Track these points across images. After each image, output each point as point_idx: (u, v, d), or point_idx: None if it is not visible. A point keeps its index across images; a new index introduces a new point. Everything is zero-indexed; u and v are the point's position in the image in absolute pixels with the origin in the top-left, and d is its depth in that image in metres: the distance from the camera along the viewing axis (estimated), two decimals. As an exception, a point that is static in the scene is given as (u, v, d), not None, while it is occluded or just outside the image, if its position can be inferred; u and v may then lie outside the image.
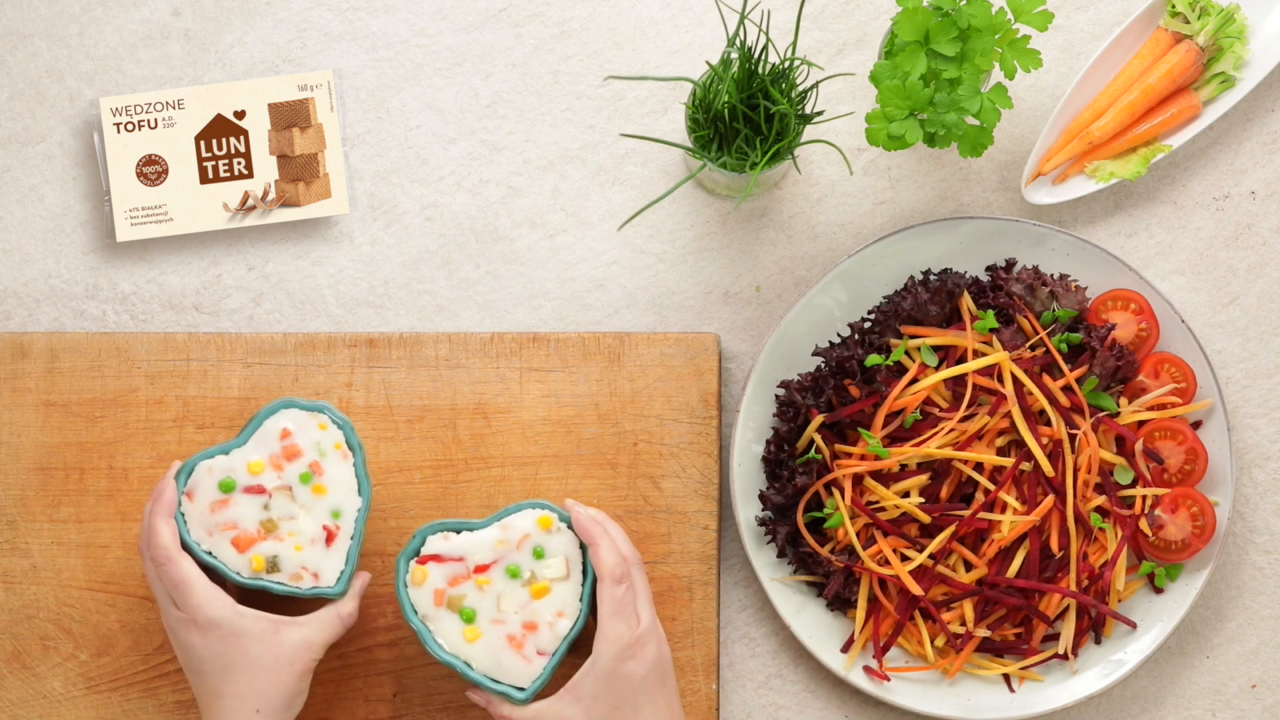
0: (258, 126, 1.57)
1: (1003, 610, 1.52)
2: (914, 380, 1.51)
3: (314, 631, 1.43)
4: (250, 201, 1.57)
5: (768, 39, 1.44)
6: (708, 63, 1.48)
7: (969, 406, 1.51)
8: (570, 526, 1.44)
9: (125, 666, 1.53)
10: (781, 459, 1.52)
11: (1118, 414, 1.52)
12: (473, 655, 1.43)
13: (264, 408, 1.46)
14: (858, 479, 1.52)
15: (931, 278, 1.52)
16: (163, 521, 1.42)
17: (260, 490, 1.44)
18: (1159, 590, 1.53)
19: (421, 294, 1.58)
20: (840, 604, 1.53)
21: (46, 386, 1.54)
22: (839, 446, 1.52)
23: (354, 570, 1.46)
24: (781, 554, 1.52)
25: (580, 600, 1.43)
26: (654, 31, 1.58)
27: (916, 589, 1.50)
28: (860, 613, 1.52)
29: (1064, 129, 1.55)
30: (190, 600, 1.41)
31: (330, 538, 1.45)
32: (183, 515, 1.44)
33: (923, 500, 1.51)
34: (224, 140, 1.56)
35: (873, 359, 1.51)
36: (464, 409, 1.54)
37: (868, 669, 1.52)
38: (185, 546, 1.43)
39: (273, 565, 1.44)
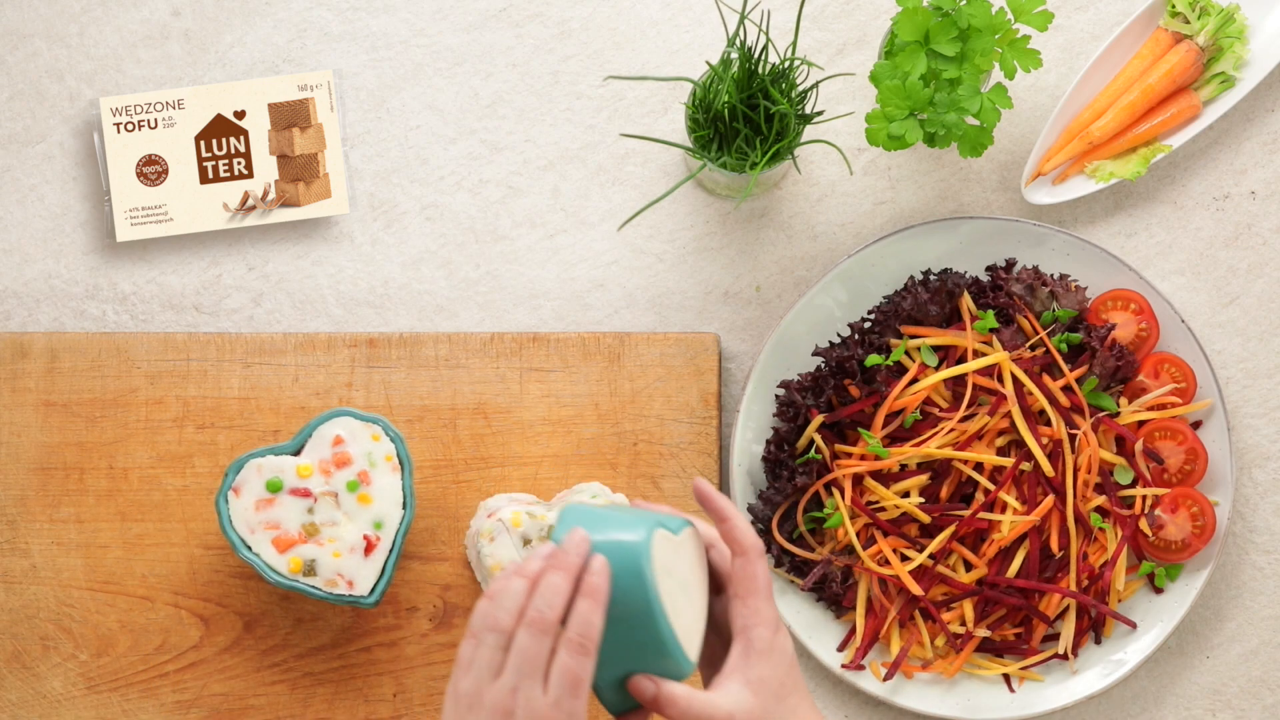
0: (258, 126, 1.57)
1: (1003, 610, 1.52)
2: (914, 380, 1.51)
3: None
4: (250, 201, 1.57)
5: (768, 39, 1.44)
6: (708, 63, 1.48)
7: (969, 406, 1.51)
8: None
9: (125, 666, 1.53)
10: (781, 459, 1.52)
11: (1118, 414, 1.52)
12: None
13: (320, 414, 1.47)
14: (858, 479, 1.52)
15: (931, 278, 1.52)
16: (600, 611, 1.21)
17: (306, 494, 1.46)
18: (1159, 590, 1.53)
19: (421, 294, 1.58)
20: (834, 602, 1.53)
21: (46, 386, 1.54)
22: (839, 446, 1.52)
23: (389, 582, 1.47)
24: (779, 564, 1.52)
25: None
26: (654, 31, 1.58)
27: (916, 589, 1.50)
28: (860, 613, 1.52)
29: (1064, 129, 1.55)
30: (574, 704, 1.20)
31: (369, 548, 1.46)
32: (228, 508, 1.46)
33: (923, 500, 1.51)
34: (224, 140, 1.56)
35: (873, 359, 1.51)
36: (464, 409, 1.54)
37: (859, 666, 1.52)
38: (229, 539, 1.45)
39: (310, 569, 1.45)
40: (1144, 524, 1.52)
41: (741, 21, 1.42)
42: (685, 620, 1.26)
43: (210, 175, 1.57)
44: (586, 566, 1.22)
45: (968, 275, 1.53)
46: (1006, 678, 1.53)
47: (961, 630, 1.52)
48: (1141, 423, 1.53)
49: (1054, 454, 1.51)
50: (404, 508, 1.46)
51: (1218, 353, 1.57)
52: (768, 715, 1.25)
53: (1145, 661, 1.55)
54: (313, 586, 1.45)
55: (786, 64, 1.44)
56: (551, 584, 1.21)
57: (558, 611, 1.21)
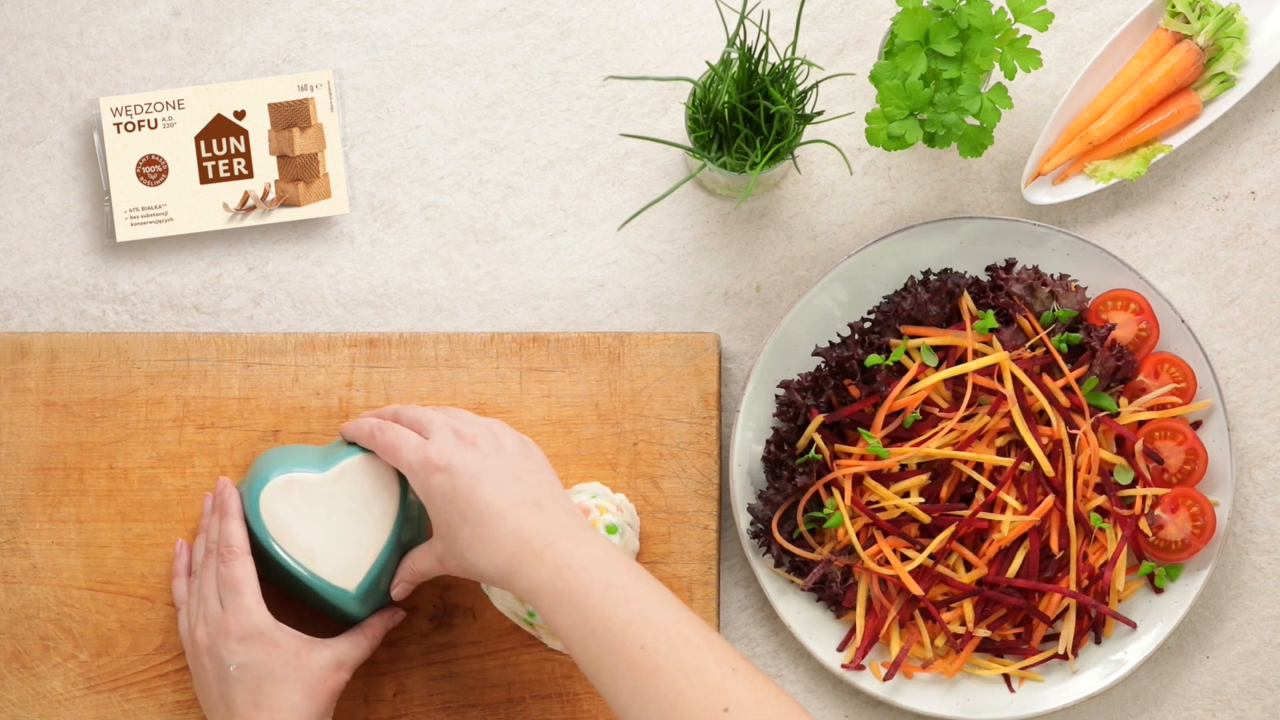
0: (258, 126, 1.57)
1: (1003, 610, 1.52)
2: (914, 380, 1.51)
3: (344, 651, 1.43)
4: (250, 201, 1.57)
5: (768, 39, 1.44)
6: (708, 63, 1.48)
7: (969, 406, 1.51)
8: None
9: (125, 666, 1.53)
10: (781, 459, 1.52)
11: (1118, 414, 1.52)
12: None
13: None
14: (858, 479, 1.52)
15: (931, 278, 1.52)
16: (236, 522, 1.44)
17: None
18: (1159, 590, 1.53)
19: (421, 294, 1.58)
20: (834, 602, 1.53)
21: (46, 386, 1.54)
22: (839, 446, 1.52)
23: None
24: (779, 563, 1.52)
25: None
26: (654, 31, 1.58)
27: (916, 589, 1.50)
28: (860, 613, 1.52)
29: (1064, 129, 1.55)
30: (241, 600, 1.41)
31: None
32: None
33: (923, 500, 1.51)
34: (224, 140, 1.56)
35: (873, 359, 1.51)
36: (464, 409, 1.54)
37: (859, 666, 1.52)
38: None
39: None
40: (1144, 524, 1.52)
41: (741, 21, 1.42)
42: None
43: (210, 175, 1.57)
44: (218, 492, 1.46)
45: (968, 275, 1.53)
46: (1006, 678, 1.53)
47: (961, 630, 1.52)
48: (1141, 423, 1.52)
49: (1054, 454, 1.51)
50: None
51: (1218, 353, 1.57)
52: (453, 558, 1.38)
53: (1145, 661, 1.55)
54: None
55: (786, 64, 1.44)
56: (209, 524, 1.47)
57: (213, 541, 1.45)
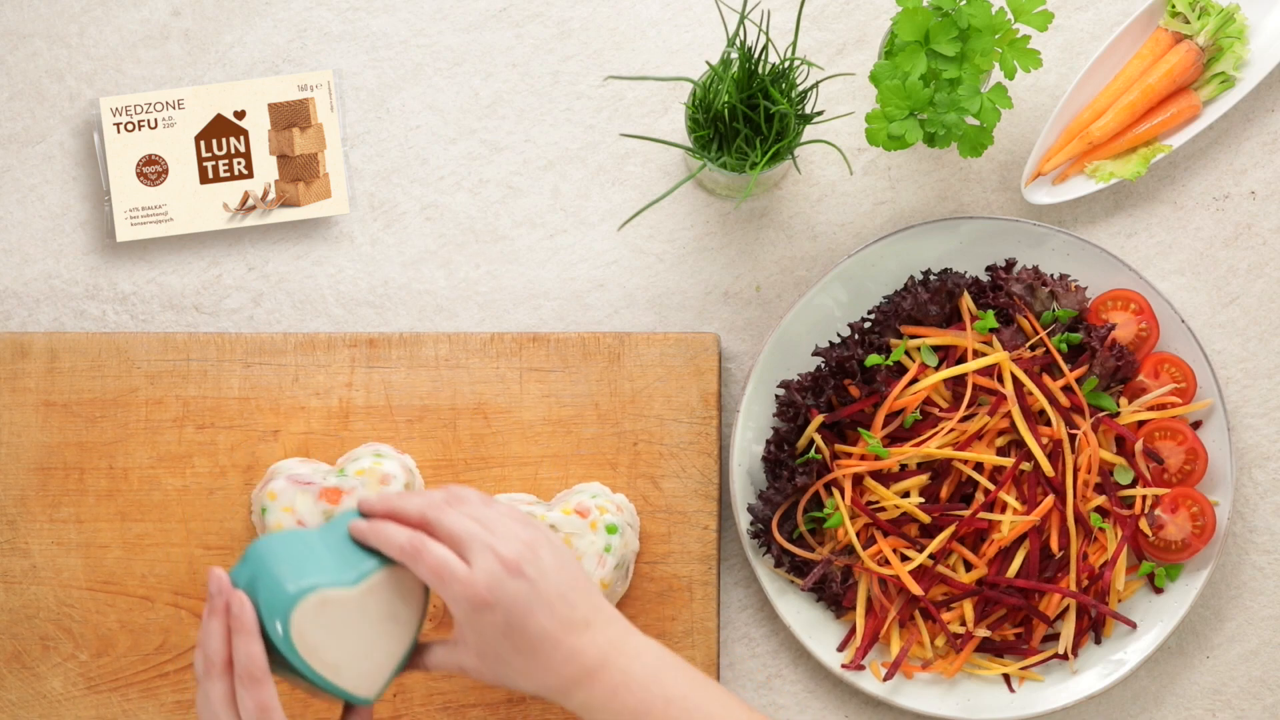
0: (258, 126, 1.57)
1: (1003, 610, 1.52)
2: (914, 380, 1.51)
3: None
4: (250, 201, 1.57)
5: (768, 39, 1.44)
6: (708, 63, 1.48)
7: (969, 406, 1.51)
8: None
9: (125, 666, 1.53)
10: (781, 459, 1.52)
11: (1118, 414, 1.52)
12: None
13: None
14: (858, 479, 1.52)
15: (931, 278, 1.52)
16: (256, 643, 1.32)
17: None
18: (1159, 590, 1.53)
19: (421, 294, 1.58)
20: (834, 602, 1.53)
21: (46, 386, 1.54)
22: (839, 446, 1.52)
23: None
24: (779, 563, 1.52)
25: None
26: (654, 31, 1.58)
27: (916, 589, 1.50)
28: (860, 613, 1.52)
29: (1064, 129, 1.55)
30: None
31: None
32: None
33: (923, 500, 1.51)
34: (224, 140, 1.56)
35: (873, 359, 1.51)
36: (464, 409, 1.54)
37: (859, 666, 1.52)
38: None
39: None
40: (1144, 524, 1.52)
41: (741, 21, 1.42)
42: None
43: (210, 175, 1.57)
44: (229, 605, 1.32)
45: (968, 275, 1.53)
46: (1006, 678, 1.53)
47: (961, 630, 1.52)
48: (1141, 423, 1.53)
49: (1054, 454, 1.51)
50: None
51: (1218, 353, 1.57)
52: (491, 674, 1.35)
53: (1145, 661, 1.55)
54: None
55: (786, 64, 1.44)
56: (209, 630, 1.33)
57: (221, 653, 1.32)
